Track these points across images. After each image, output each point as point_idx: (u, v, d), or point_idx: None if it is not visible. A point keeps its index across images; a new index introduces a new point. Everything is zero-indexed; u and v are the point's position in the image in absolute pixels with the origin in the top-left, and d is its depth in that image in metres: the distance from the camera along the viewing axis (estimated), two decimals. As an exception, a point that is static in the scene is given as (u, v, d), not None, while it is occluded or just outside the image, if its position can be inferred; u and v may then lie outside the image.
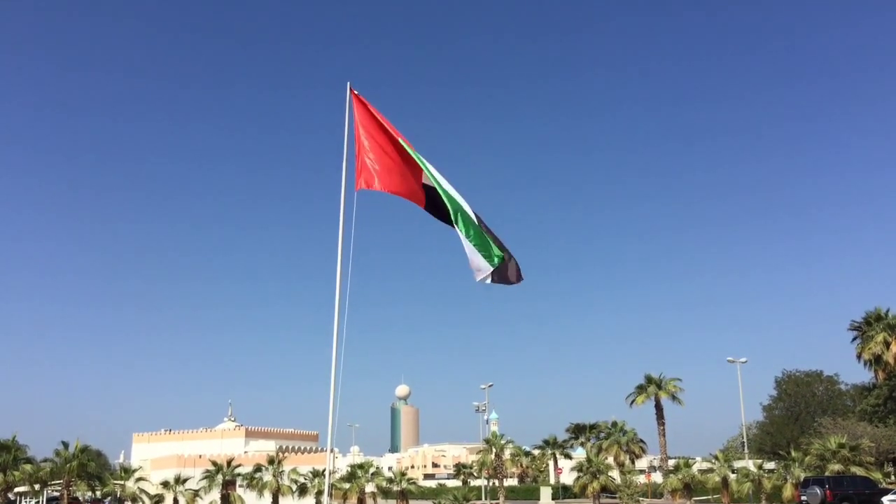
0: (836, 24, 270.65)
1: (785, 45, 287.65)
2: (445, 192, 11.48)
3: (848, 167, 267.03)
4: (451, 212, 11.36)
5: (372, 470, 61.79)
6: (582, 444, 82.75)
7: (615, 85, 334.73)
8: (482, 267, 11.41)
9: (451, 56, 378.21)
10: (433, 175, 11.63)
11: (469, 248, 11.44)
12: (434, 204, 11.78)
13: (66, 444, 51.22)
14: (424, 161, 11.82)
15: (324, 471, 56.11)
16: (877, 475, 46.95)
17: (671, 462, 64.78)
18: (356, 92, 12.31)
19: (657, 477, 77.97)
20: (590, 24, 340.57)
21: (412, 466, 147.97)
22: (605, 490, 62.57)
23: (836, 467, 46.43)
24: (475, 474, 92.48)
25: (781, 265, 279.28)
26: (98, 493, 62.92)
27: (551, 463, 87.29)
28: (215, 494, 54.06)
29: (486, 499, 72.51)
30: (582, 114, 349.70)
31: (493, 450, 68.63)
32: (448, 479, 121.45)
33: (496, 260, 11.45)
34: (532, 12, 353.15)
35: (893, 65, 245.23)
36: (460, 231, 11.42)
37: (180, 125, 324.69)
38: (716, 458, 55.78)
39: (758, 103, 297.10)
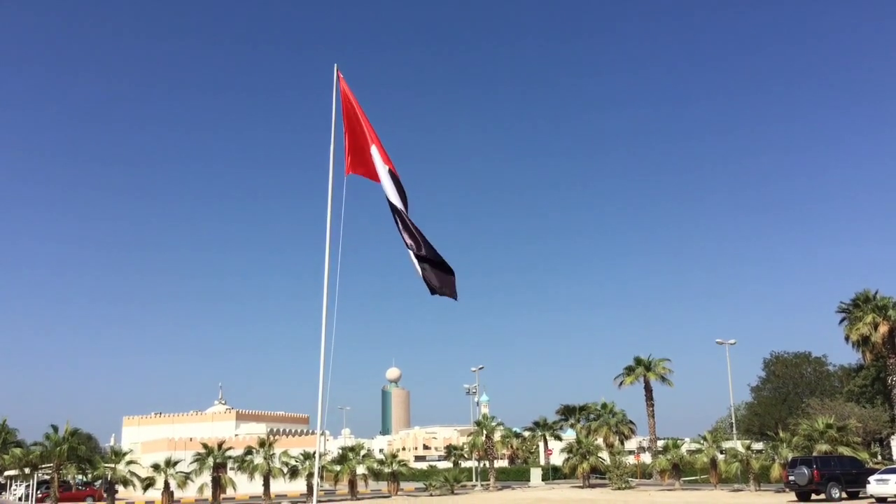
0: (825, 24, 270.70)
1: (766, 46, 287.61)
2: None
3: (834, 156, 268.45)
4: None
5: (363, 452, 61.89)
6: (572, 426, 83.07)
7: (607, 84, 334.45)
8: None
9: (448, 54, 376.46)
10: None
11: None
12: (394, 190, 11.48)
13: (55, 428, 50.97)
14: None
15: (315, 453, 56.14)
16: (864, 455, 47.31)
17: (660, 443, 65.15)
18: (342, 76, 12.13)
19: (646, 457, 78.51)
20: (586, 23, 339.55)
21: (403, 448, 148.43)
22: (595, 471, 62.91)
23: (823, 447, 46.76)
24: (466, 456, 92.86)
25: (770, 248, 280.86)
26: (89, 476, 62.85)
27: (541, 444, 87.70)
28: (206, 477, 53.98)
29: (476, 480, 72.82)
30: (573, 110, 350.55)
31: (484, 432, 68.90)
32: (439, 460, 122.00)
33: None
34: (527, 11, 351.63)
35: (874, 59, 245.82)
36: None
37: (170, 121, 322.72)
38: (704, 438, 56.10)
39: (745, 101, 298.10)
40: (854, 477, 39.07)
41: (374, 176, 11.74)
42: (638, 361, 68.96)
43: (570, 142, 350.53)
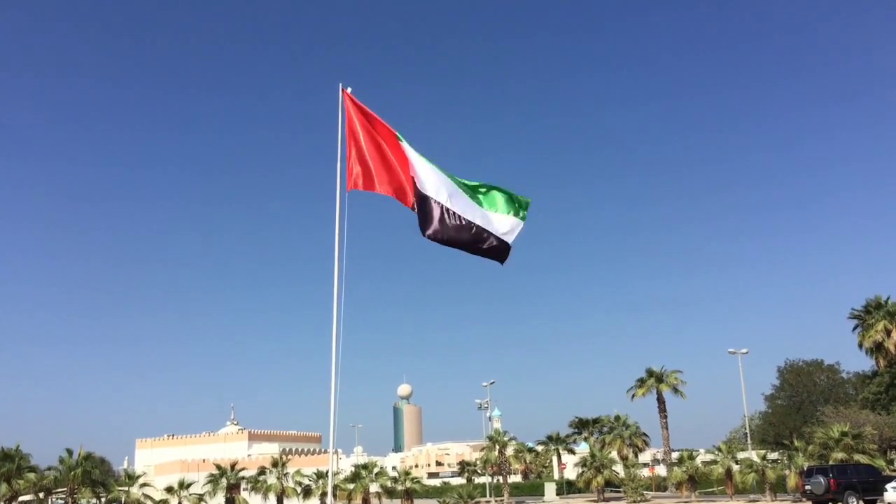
0: (826, 20, 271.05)
1: (781, 40, 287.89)
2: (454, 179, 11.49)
3: (845, 158, 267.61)
4: (471, 192, 11.45)
5: (376, 470, 61.80)
6: (585, 439, 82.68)
7: (612, 83, 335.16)
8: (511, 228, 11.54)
9: (447, 55, 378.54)
10: (444, 172, 11.59)
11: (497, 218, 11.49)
12: (422, 207, 11.44)
13: (69, 452, 51.24)
14: (428, 160, 11.64)
15: (327, 472, 56.10)
16: (880, 463, 46.94)
17: (675, 455, 64.79)
18: (348, 92, 12.29)
19: (661, 470, 78.05)
20: (584, 23, 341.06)
21: (416, 465, 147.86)
22: (610, 484, 62.57)
23: (839, 456, 46.44)
24: (479, 472, 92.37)
25: (780, 255, 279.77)
26: (103, 500, 62.92)
27: (555, 458, 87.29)
28: (220, 498, 54.13)
29: (490, 496, 72.51)
30: (579, 111, 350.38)
31: (497, 447, 68.64)
32: (452, 477, 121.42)
33: (522, 213, 11.63)
34: (525, 11, 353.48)
35: (888, 59, 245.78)
36: (485, 206, 11.47)
37: (175, 131, 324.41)
38: (719, 449, 55.78)
39: (751, 99, 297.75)
40: (871, 485, 38.80)
41: (391, 193, 11.88)
42: (650, 373, 68.73)
43: (573, 140, 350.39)
